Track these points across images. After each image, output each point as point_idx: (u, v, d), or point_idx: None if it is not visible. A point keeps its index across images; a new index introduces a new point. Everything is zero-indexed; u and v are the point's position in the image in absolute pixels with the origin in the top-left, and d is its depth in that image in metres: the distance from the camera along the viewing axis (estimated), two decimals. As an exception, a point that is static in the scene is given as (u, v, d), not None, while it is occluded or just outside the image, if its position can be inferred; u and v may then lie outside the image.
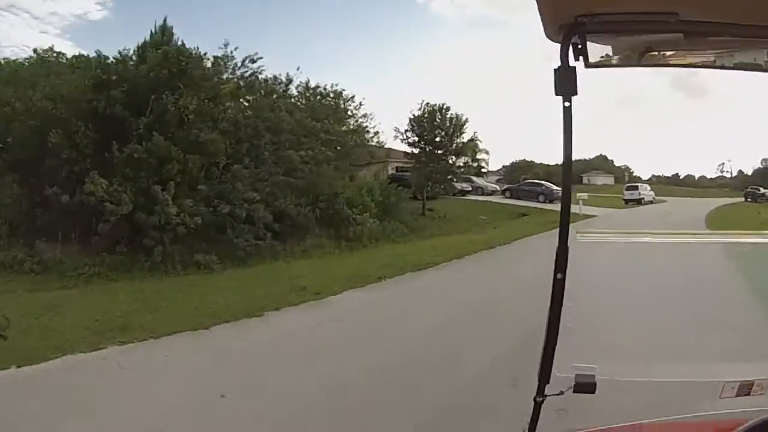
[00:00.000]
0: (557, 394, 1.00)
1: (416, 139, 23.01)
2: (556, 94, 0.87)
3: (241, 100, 15.61)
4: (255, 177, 13.97)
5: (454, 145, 23.20)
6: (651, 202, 32.96)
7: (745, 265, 1.42)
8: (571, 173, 0.95)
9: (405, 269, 11.20)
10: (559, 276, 0.94)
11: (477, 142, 22.77)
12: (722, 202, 33.70)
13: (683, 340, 1.37)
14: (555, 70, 0.86)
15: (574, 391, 1.00)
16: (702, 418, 1.18)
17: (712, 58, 0.95)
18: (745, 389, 1.08)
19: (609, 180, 58.68)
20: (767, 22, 0.84)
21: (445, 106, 23.09)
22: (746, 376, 1.09)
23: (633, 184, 37.19)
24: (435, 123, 22.78)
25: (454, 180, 24.75)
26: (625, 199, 32.17)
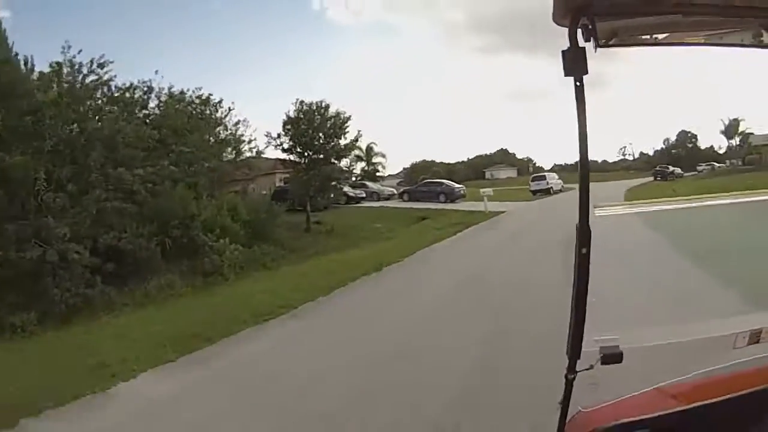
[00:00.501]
0: (588, 369, 1.04)
1: (292, 144, 20.47)
2: (566, 75, 0.90)
3: (71, 111, 12.60)
4: (77, 205, 11.22)
5: (334, 146, 20.77)
6: (561, 191, 30.89)
7: (749, 223, 1.35)
8: (587, 152, 1.00)
9: (246, 322, 8.08)
10: (583, 251, 0.98)
11: (372, 145, 21.56)
12: (633, 183, 33.17)
13: (695, 300, 1.43)
14: (563, 51, 0.89)
15: (602, 363, 1.03)
16: (721, 371, 1.23)
17: (704, 39, 1.04)
18: (755, 337, 1.16)
19: (512, 173, 60.43)
20: (752, 3, 0.95)
21: (323, 104, 20.53)
22: (754, 326, 1.16)
23: (539, 174, 35.05)
24: (314, 124, 20.23)
25: (339, 186, 22.43)
26: (532, 191, 30.29)
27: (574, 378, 1.04)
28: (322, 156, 20.33)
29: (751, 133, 40.22)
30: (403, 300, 9.04)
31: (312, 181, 19.78)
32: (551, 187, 30.38)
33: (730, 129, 42.39)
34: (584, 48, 0.90)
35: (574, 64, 0.89)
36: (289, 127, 20.38)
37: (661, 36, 1.00)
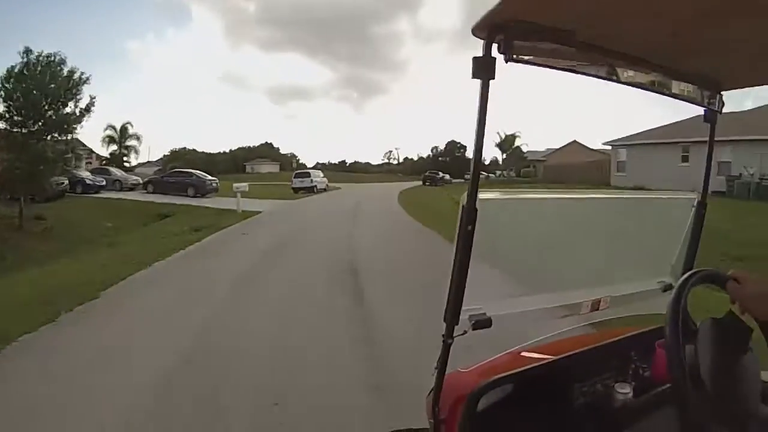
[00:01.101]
0: (462, 334, 1.16)
1: (6, 109, 15.32)
2: (473, 77, 1.04)
3: None
4: None
5: (59, 114, 15.88)
6: (325, 190, 30.26)
7: (608, 216, 1.61)
8: (482, 148, 1.09)
9: None
10: (469, 228, 1.08)
11: (127, 125, 16.27)
12: (403, 186, 33.58)
13: (554, 276, 1.48)
14: (475, 57, 1.03)
15: (473, 329, 1.16)
16: (569, 332, 1.52)
17: (605, 72, 1.23)
18: (596, 305, 1.43)
19: (274, 168, 59.09)
20: (643, 55, 1.23)
21: (58, 58, 15.71)
22: (596, 296, 1.43)
23: (303, 171, 33.71)
24: (36, 85, 15.22)
25: (66, 168, 17.87)
26: (294, 188, 28.73)
27: (451, 342, 1.15)
28: (40, 127, 15.59)
29: (520, 147, 47.88)
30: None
31: (16, 162, 14.92)
32: (315, 186, 29.79)
33: (505, 143, 48.76)
34: (495, 58, 1.03)
35: (483, 70, 1.03)
36: (8, 85, 15.27)
37: (564, 62, 1.18)
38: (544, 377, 1.28)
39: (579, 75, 1.21)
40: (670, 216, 1.67)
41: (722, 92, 1.46)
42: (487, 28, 1.01)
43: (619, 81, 1.27)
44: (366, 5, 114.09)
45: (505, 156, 49.66)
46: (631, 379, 1.33)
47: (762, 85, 1.48)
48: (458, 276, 1.10)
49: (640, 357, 1.39)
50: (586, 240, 1.56)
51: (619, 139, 27.00)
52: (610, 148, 28.14)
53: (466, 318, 1.16)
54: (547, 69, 1.16)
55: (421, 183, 41.22)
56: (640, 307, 1.57)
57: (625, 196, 1.88)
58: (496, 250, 1.35)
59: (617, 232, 1.63)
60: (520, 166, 46.58)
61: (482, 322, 1.17)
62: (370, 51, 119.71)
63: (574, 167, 32.07)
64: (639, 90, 1.33)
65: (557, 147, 48.40)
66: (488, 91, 1.05)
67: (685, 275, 1.05)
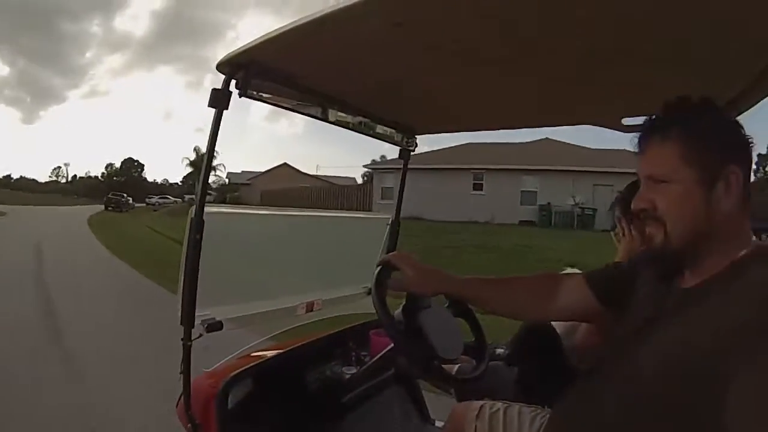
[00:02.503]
0: (198, 337, 1.22)
1: None
2: (209, 106, 1.16)
3: None
4: None
5: None
6: None
7: (321, 231, 1.88)
8: (210, 170, 1.22)
9: None
10: (197, 237, 1.17)
11: None
12: (82, 212, 27.33)
13: (275, 283, 1.66)
14: (214, 89, 1.15)
15: (207, 332, 1.24)
16: (297, 331, 1.65)
17: (320, 113, 1.44)
18: (311, 306, 1.63)
19: None
20: (354, 102, 1.50)
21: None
22: (309, 299, 1.63)
23: None
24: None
25: None
26: None
27: (191, 344, 1.22)
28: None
29: (218, 167, 38.81)
30: None
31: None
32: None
33: (200, 162, 42.34)
34: (231, 92, 1.16)
35: (220, 101, 1.16)
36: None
37: (289, 101, 1.36)
38: (282, 368, 1.44)
39: (299, 114, 1.41)
40: (371, 232, 1.98)
41: (416, 135, 1.80)
42: (230, 66, 1.13)
43: (329, 121, 1.48)
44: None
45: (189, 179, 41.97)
46: (355, 363, 1.60)
47: (450, 132, 1.88)
48: (189, 281, 1.18)
49: (359, 345, 1.67)
50: (303, 251, 1.79)
51: (383, 161, 23.41)
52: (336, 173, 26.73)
53: (199, 323, 1.24)
54: (274, 106, 1.33)
55: (103, 208, 33.51)
56: (349, 308, 1.82)
57: (335, 214, 2.22)
58: (224, 260, 1.44)
59: (329, 244, 1.87)
60: (224, 191, 38.27)
61: (214, 325, 1.27)
62: (54, 49, 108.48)
63: (296, 192, 28.21)
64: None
65: (262, 170, 42.59)
66: (221, 120, 1.18)
67: (376, 271, 1.21)
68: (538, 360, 1.45)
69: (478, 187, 19.93)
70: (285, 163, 42.58)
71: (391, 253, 1.28)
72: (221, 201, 32.36)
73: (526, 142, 20.75)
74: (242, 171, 44.66)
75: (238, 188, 38.43)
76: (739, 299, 0.76)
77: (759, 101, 1.18)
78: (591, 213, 17.49)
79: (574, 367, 1.34)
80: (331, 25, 0.92)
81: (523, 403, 1.26)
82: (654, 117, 0.89)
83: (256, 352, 1.57)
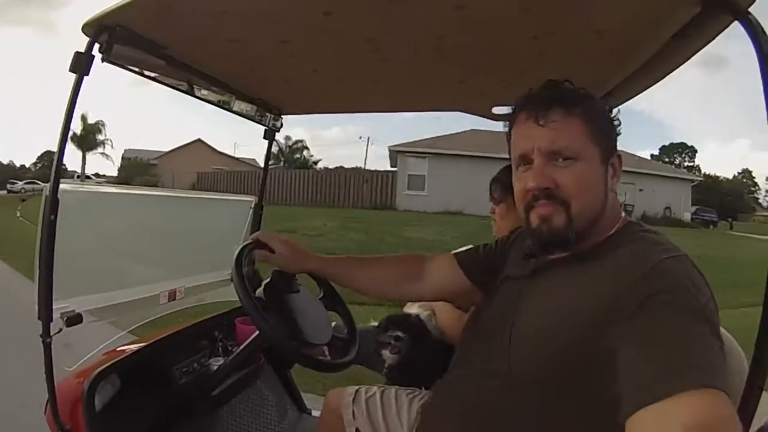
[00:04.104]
0: (58, 332, 1.12)
1: None
2: (70, 71, 1.05)
3: None
4: None
5: None
6: None
7: (184, 213, 1.79)
8: (65, 143, 1.09)
9: None
10: (52, 217, 1.04)
11: None
12: None
13: (136, 270, 1.56)
14: (77, 52, 1.05)
15: (67, 326, 1.13)
16: (160, 323, 1.53)
17: (185, 87, 1.39)
18: (173, 295, 1.52)
19: None
20: (222, 79, 1.44)
21: None
22: (172, 287, 1.52)
23: None
24: None
25: None
26: None
27: (50, 341, 1.10)
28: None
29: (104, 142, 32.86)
30: None
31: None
32: None
33: (86, 140, 32.01)
34: (94, 56, 1.07)
35: (80, 65, 1.06)
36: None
37: (153, 72, 1.28)
38: (147, 363, 1.35)
39: (162, 85, 1.33)
40: (234, 216, 1.90)
41: (283, 115, 1.76)
42: (95, 28, 1.05)
43: (194, 96, 1.42)
44: None
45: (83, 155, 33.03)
46: (222, 354, 1.55)
47: (317, 113, 1.85)
48: (45, 270, 1.06)
49: (225, 335, 1.61)
50: (165, 236, 1.66)
51: (411, 143, 18.59)
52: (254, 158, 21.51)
53: (58, 316, 1.12)
54: (136, 74, 1.24)
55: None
56: (212, 295, 1.71)
57: (198, 195, 2.16)
58: (83, 244, 1.32)
59: (192, 228, 1.78)
60: (131, 173, 29.80)
61: (73, 319, 1.16)
62: None
63: (233, 178, 21.63)
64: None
65: (169, 149, 34.67)
66: (80, 87, 1.08)
67: (237, 249, 1.17)
68: (410, 345, 1.49)
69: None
70: (199, 139, 36.20)
71: (259, 231, 1.24)
72: (126, 183, 24.06)
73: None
74: (143, 149, 37.04)
75: (150, 169, 30.89)
76: (615, 271, 0.75)
77: (625, 101, 1.31)
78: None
79: (448, 346, 1.40)
80: None
81: (400, 386, 1.26)
82: (547, 90, 0.85)
83: (121, 346, 1.44)
